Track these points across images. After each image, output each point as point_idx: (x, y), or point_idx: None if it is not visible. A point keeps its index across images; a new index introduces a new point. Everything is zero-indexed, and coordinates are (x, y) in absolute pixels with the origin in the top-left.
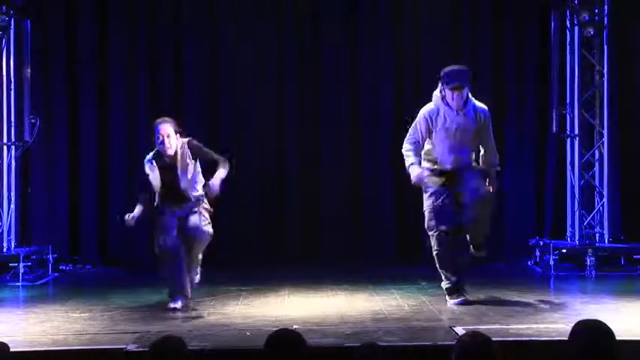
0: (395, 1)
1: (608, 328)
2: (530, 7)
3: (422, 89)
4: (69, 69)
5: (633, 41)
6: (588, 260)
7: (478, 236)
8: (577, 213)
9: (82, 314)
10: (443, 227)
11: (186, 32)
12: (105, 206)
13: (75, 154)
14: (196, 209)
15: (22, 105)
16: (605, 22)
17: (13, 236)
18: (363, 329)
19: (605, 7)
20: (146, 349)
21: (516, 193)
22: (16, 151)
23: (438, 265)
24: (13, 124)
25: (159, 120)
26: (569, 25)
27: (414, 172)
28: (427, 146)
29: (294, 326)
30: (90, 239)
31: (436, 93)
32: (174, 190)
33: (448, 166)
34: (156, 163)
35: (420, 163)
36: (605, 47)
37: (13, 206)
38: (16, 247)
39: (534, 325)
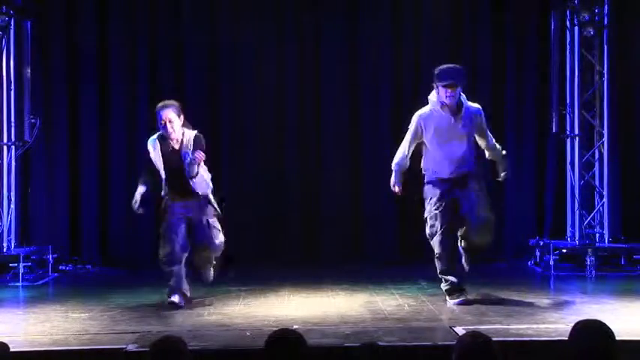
0: (395, 1)
1: (608, 328)
2: (530, 7)
3: (422, 89)
4: (69, 69)
5: (633, 41)
6: (588, 260)
7: (478, 251)
8: (577, 213)
9: (82, 314)
10: (441, 228)
11: (186, 32)
12: (105, 206)
13: (75, 154)
14: (205, 216)
15: (22, 105)
16: (605, 22)
17: (13, 236)
18: (363, 329)
19: (605, 7)
20: (146, 349)
21: (516, 193)
22: (16, 151)
23: (438, 270)
24: (13, 124)
25: (160, 105)
26: (569, 25)
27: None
28: (424, 157)
29: (294, 326)
30: (90, 239)
31: (431, 97)
32: (179, 180)
33: (446, 176)
34: (160, 147)
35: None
36: (605, 47)
37: (13, 206)
38: (16, 247)
39: (534, 325)
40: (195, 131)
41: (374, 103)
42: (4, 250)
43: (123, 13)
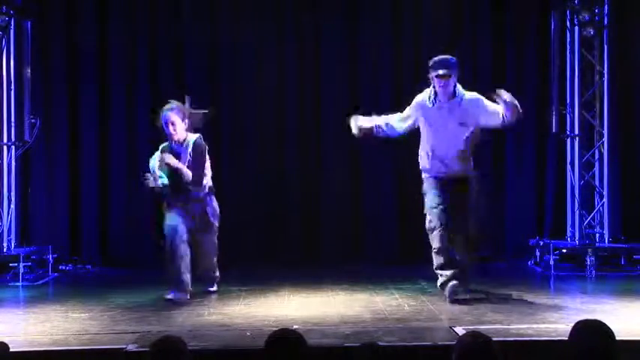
0: (395, 1)
1: (608, 328)
2: (530, 7)
3: (422, 89)
4: (69, 69)
5: (633, 41)
6: (588, 260)
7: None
8: (577, 213)
9: (82, 314)
10: (440, 225)
11: (186, 32)
12: (105, 206)
13: (75, 154)
14: (207, 214)
15: (22, 105)
16: (605, 22)
17: (13, 236)
18: (363, 329)
19: (605, 7)
20: (146, 349)
21: (516, 193)
22: (16, 151)
23: (434, 265)
24: (13, 124)
25: (166, 106)
26: (569, 25)
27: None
28: (420, 151)
29: (294, 326)
30: (90, 239)
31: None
32: (178, 180)
33: (438, 174)
34: (164, 148)
35: (367, 122)
36: (605, 47)
37: (13, 206)
38: (16, 247)
39: (534, 325)
40: (198, 135)
41: (374, 103)
42: (4, 250)
43: (123, 13)
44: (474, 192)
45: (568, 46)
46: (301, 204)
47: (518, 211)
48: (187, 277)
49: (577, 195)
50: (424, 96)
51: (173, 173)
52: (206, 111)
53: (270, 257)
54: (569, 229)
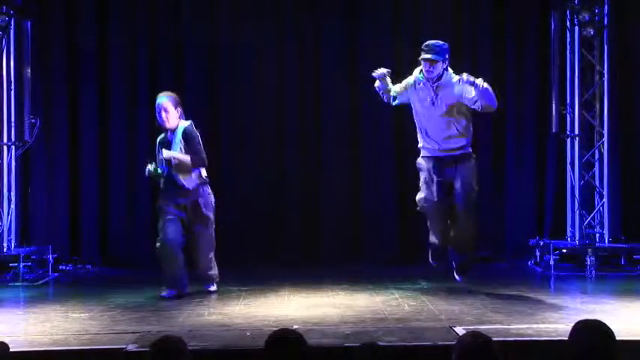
0: (395, 1)
1: (608, 328)
2: (530, 7)
3: None
4: (69, 69)
5: (633, 41)
6: (588, 260)
7: (462, 244)
8: (577, 213)
9: (82, 314)
10: (428, 200)
11: (186, 32)
12: (105, 206)
13: (75, 154)
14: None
15: (22, 105)
16: (605, 22)
17: (13, 236)
18: (363, 329)
19: (605, 7)
20: (146, 349)
21: (516, 193)
22: (16, 151)
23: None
24: (13, 124)
25: (160, 94)
26: (569, 25)
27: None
28: (418, 130)
29: (294, 326)
30: (90, 239)
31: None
32: (169, 171)
33: (430, 153)
34: (161, 140)
35: (386, 85)
36: (605, 47)
37: (13, 206)
38: (16, 247)
39: (534, 325)
40: (189, 121)
41: (374, 103)
42: (4, 250)
43: (123, 13)
44: (469, 168)
45: (568, 46)
46: (301, 204)
47: (519, 211)
48: (181, 274)
49: (577, 195)
50: (415, 75)
51: (170, 167)
52: None
53: (270, 257)
54: (569, 229)
